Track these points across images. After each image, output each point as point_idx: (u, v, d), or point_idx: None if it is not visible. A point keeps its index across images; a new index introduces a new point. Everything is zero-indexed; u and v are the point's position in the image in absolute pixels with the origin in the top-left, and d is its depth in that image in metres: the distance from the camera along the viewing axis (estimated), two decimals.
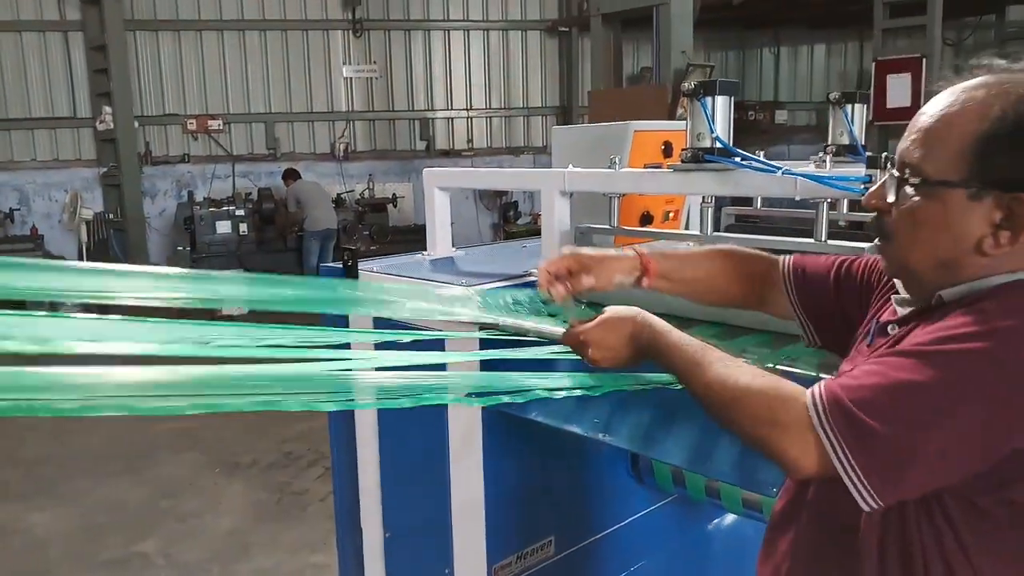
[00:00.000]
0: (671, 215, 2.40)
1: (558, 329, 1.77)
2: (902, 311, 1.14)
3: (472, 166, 11.79)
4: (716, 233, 1.98)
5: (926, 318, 1.05)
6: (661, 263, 1.47)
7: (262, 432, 5.37)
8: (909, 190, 1.05)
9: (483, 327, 1.94)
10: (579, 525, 2.36)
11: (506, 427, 2.05)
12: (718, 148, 1.81)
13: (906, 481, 0.95)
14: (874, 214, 1.14)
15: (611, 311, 1.33)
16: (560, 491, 2.32)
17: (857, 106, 2.33)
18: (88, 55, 10.31)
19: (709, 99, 1.81)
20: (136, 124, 10.33)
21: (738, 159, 1.80)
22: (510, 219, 11.62)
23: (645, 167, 2.22)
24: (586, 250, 1.48)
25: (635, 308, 1.31)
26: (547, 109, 12.40)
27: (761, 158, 1.83)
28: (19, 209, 10.22)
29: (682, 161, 1.86)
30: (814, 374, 1.48)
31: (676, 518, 2.63)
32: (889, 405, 0.94)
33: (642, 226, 2.32)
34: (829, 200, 1.77)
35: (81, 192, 10.23)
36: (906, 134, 1.09)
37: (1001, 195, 0.99)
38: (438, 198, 2.53)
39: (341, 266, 2.34)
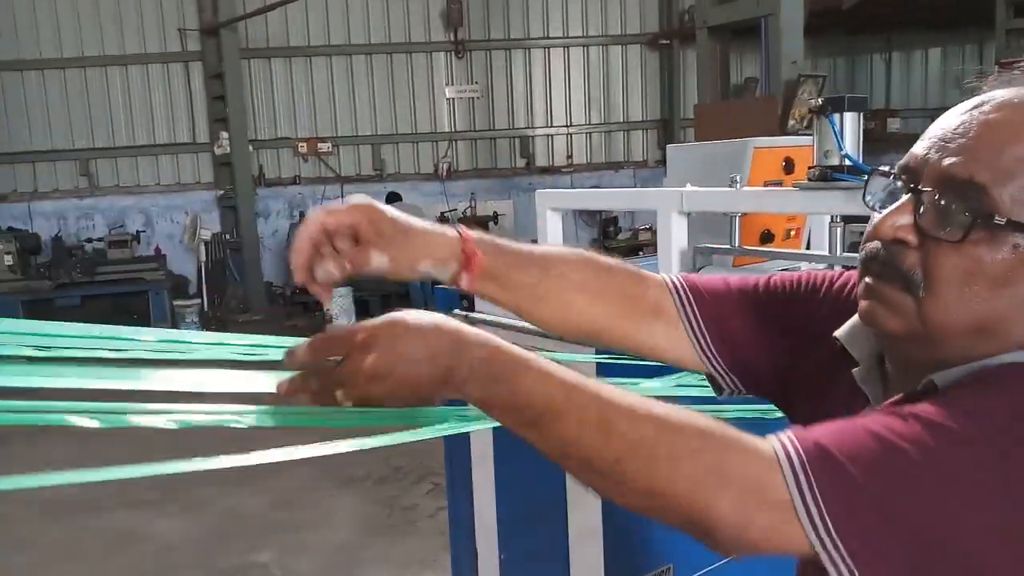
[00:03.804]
0: (792, 233, 2.33)
1: None
2: (874, 402, 0.88)
3: (571, 182, 11.81)
4: (847, 253, 1.91)
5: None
6: (493, 258, 0.99)
7: (371, 448, 5.49)
8: (974, 226, 0.76)
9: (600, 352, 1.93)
10: (699, 552, 2.30)
11: None
12: (847, 166, 1.75)
13: (888, 553, 0.68)
14: (876, 245, 0.83)
15: (414, 313, 0.81)
16: None
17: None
18: (207, 83, 10.87)
19: (837, 115, 1.75)
20: (250, 148, 10.82)
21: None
22: (610, 235, 11.55)
23: (766, 184, 2.17)
24: (389, 208, 0.96)
25: (465, 327, 0.80)
26: (647, 123, 12.30)
27: None
28: (144, 231, 10.84)
29: (809, 179, 1.80)
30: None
31: None
32: (880, 464, 0.68)
33: (762, 244, 2.26)
34: None
35: (200, 214, 10.76)
36: (941, 138, 0.81)
37: None
38: (551, 219, 2.53)
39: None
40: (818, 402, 0.96)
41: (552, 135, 12.08)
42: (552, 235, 2.55)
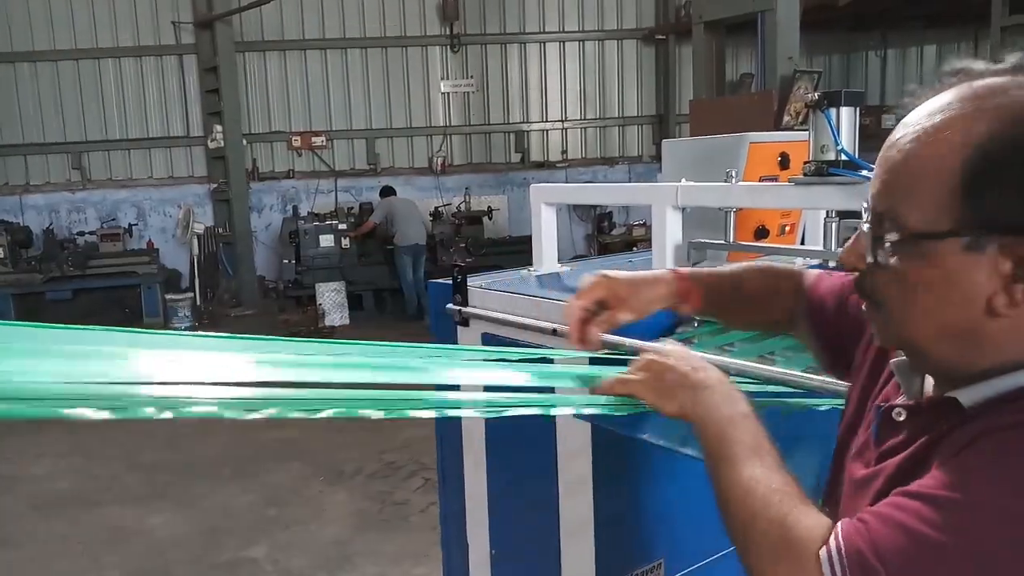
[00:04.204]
0: (787, 229, 2.31)
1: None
2: (907, 393, 0.94)
3: (566, 177, 11.80)
4: (840, 249, 1.90)
5: (942, 429, 0.84)
6: (704, 289, 1.28)
7: (363, 442, 5.48)
8: (889, 247, 0.82)
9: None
10: (690, 547, 2.30)
11: (615, 445, 2.01)
12: (843, 161, 1.74)
13: None
14: (856, 275, 0.92)
15: (683, 348, 1.14)
16: (671, 511, 2.26)
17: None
18: (201, 77, 10.83)
19: (833, 110, 1.74)
20: (244, 142, 10.79)
21: (865, 172, 1.72)
22: (604, 230, 11.54)
23: (761, 180, 2.16)
24: (618, 275, 1.26)
25: (717, 374, 1.08)
26: (643, 119, 12.29)
27: None
28: (137, 224, 10.80)
29: (805, 174, 1.79)
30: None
31: None
32: (917, 568, 0.75)
33: (757, 240, 2.25)
34: None
35: (193, 207, 10.73)
36: (875, 174, 0.87)
37: (1006, 240, 0.76)
38: (544, 213, 2.51)
39: (450, 282, 2.36)
40: (869, 388, 1.07)
41: (547, 130, 12.06)
42: (546, 229, 2.54)
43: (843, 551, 0.78)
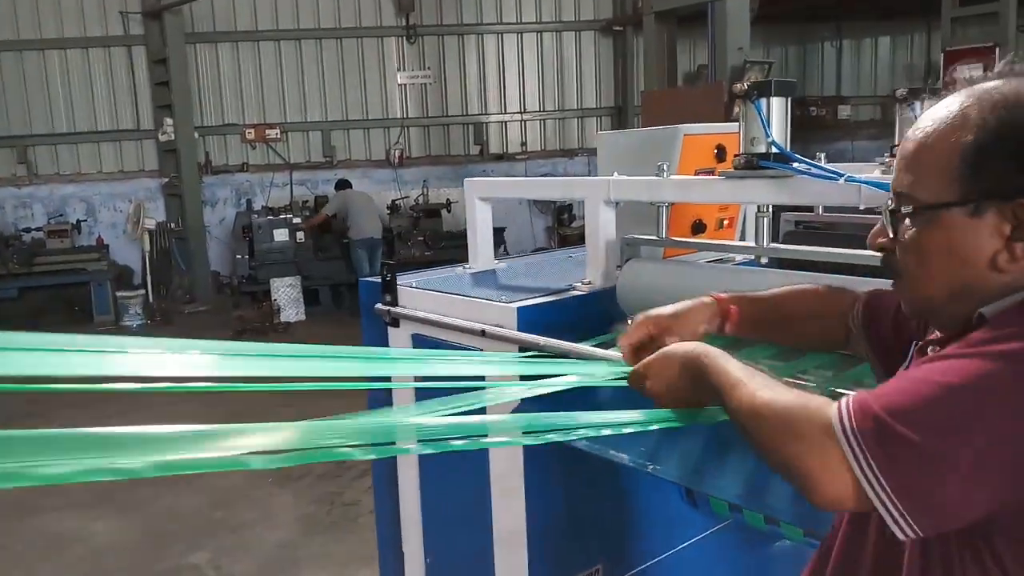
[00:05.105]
0: (725, 223, 2.26)
1: (599, 351, 1.67)
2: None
3: (526, 169, 11.72)
4: (773, 244, 1.85)
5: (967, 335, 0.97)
6: (744, 308, 1.39)
7: None
8: (907, 221, 0.99)
9: (523, 348, 1.85)
10: (629, 552, 2.24)
11: (549, 452, 1.94)
12: (774, 153, 1.68)
13: (943, 501, 0.85)
14: (882, 254, 1.08)
15: (672, 344, 1.24)
16: (608, 517, 2.20)
17: (927, 102, 2.15)
18: (150, 68, 10.56)
19: (764, 101, 1.68)
20: (196, 135, 10.54)
21: (796, 165, 1.66)
22: (564, 222, 11.49)
23: (696, 173, 2.10)
24: (660, 310, 1.39)
25: (699, 343, 1.21)
26: (602, 110, 12.25)
27: (821, 163, 1.69)
28: (86, 220, 10.51)
29: (735, 167, 1.73)
30: None
31: (732, 543, 2.48)
32: (922, 410, 0.85)
33: (694, 235, 2.19)
34: None
35: (144, 202, 10.47)
36: (895, 164, 1.05)
37: (1004, 205, 0.91)
38: (479, 209, 2.43)
39: (379, 280, 2.27)
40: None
41: (506, 121, 11.97)
42: (481, 225, 2.46)
43: (850, 405, 0.88)
